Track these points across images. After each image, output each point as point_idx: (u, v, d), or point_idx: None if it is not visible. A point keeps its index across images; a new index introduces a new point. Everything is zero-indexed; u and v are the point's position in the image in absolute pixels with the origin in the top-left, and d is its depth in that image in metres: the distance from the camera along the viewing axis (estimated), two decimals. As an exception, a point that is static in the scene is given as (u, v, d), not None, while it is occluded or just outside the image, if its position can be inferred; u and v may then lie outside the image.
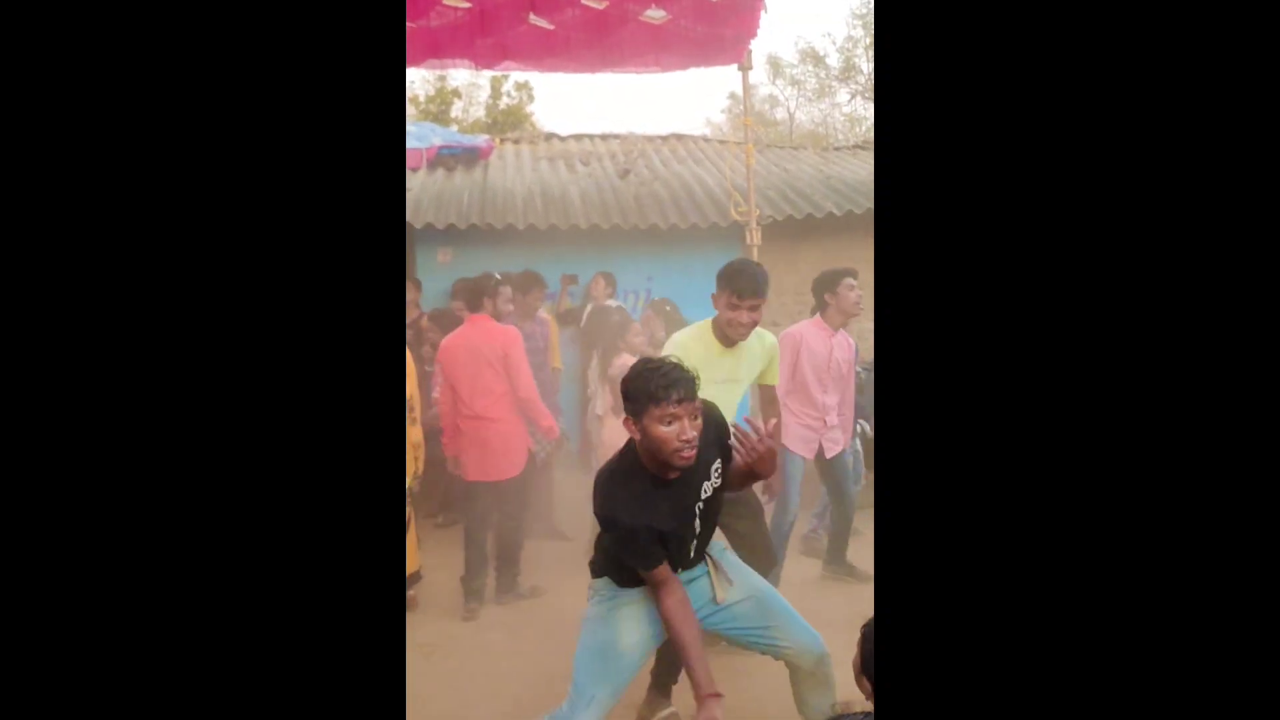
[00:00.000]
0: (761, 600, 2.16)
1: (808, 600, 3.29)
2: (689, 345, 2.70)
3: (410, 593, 3.81)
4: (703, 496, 2.03)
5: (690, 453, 1.88)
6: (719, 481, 2.06)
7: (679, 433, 1.85)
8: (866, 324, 5.16)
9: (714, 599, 2.10)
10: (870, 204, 6.35)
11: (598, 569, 2.15)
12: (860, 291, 3.82)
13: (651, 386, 1.85)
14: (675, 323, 5.39)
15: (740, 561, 2.27)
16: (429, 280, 5.97)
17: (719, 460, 2.06)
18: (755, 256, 5.79)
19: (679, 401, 1.84)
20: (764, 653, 2.18)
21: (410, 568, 3.81)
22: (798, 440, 3.78)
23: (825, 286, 3.91)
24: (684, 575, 2.07)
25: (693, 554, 2.08)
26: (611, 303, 5.47)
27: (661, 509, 1.95)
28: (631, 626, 2.04)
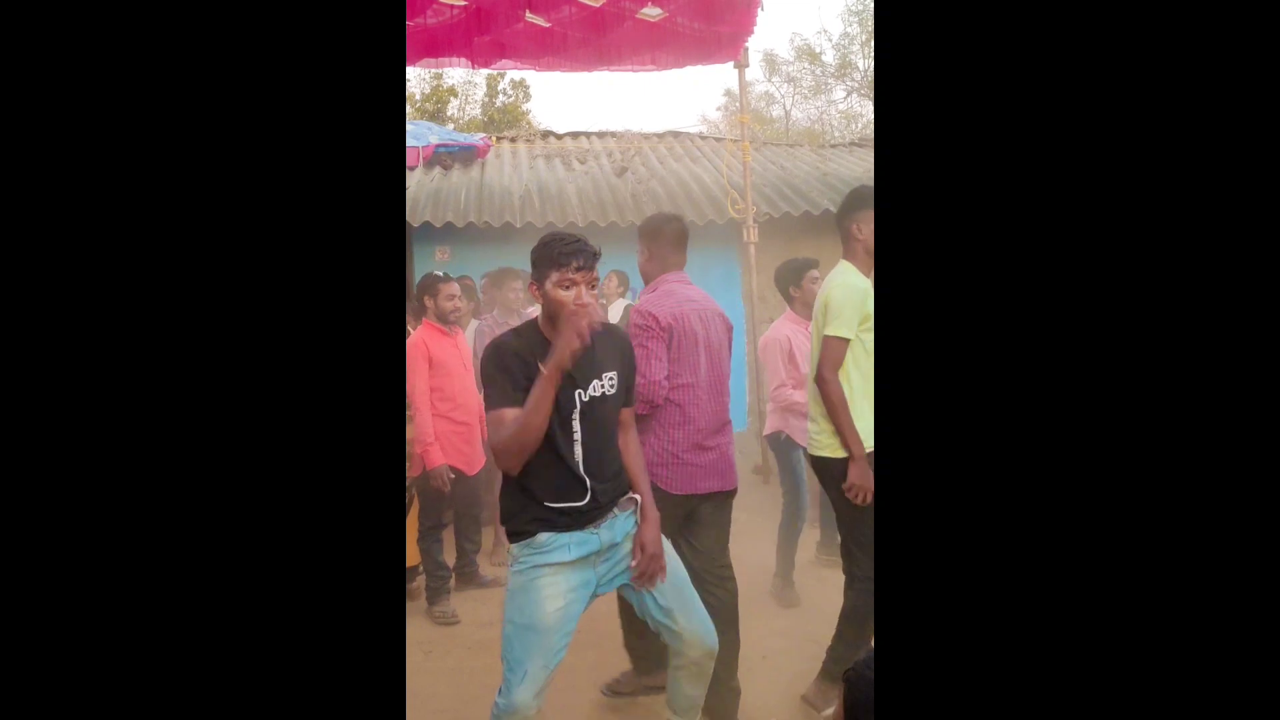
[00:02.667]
0: (674, 579, 2.19)
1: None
2: (854, 283, 2.66)
3: (410, 586, 3.84)
4: (590, 390, 2.06)
5: (584, 315, 1.96)
6: (610, 392, 2.10)
7: (575, 297, 1.98)
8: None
9: (617, 561, 2.14)
10: (867, 201, 6.36)
11: (511, 531, 2.14)
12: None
13: (554, 252, 1.99)
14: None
15: (664, 539, 2.24)
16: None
17: (615, 374, 2.11)
18: (752, 254, 5.80)
19: (578, 269, 1.97)
20: (654, 629, 2.22)
21: (410, 562, 3.85)
22: (804, 435, 3.69)
23: (789, 280, 3.86)
24: (606, 536, 2.09)
25: (580, 462, 2.05)
26: (621, 302, 5.45)
27: (539, 369, 1.99)
28: (552, 596, 2.04)
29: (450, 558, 3.99)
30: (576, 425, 2.04)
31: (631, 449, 2.23)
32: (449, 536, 4.00)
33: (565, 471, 2.04)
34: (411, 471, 3.76)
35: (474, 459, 3.89)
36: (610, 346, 2.14)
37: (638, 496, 2.19)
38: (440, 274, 3.88)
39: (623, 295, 5.48)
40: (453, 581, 3.94)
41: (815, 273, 3.77)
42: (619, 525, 2.14)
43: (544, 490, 2.04)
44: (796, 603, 3.69)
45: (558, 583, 2.05)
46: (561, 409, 2.01)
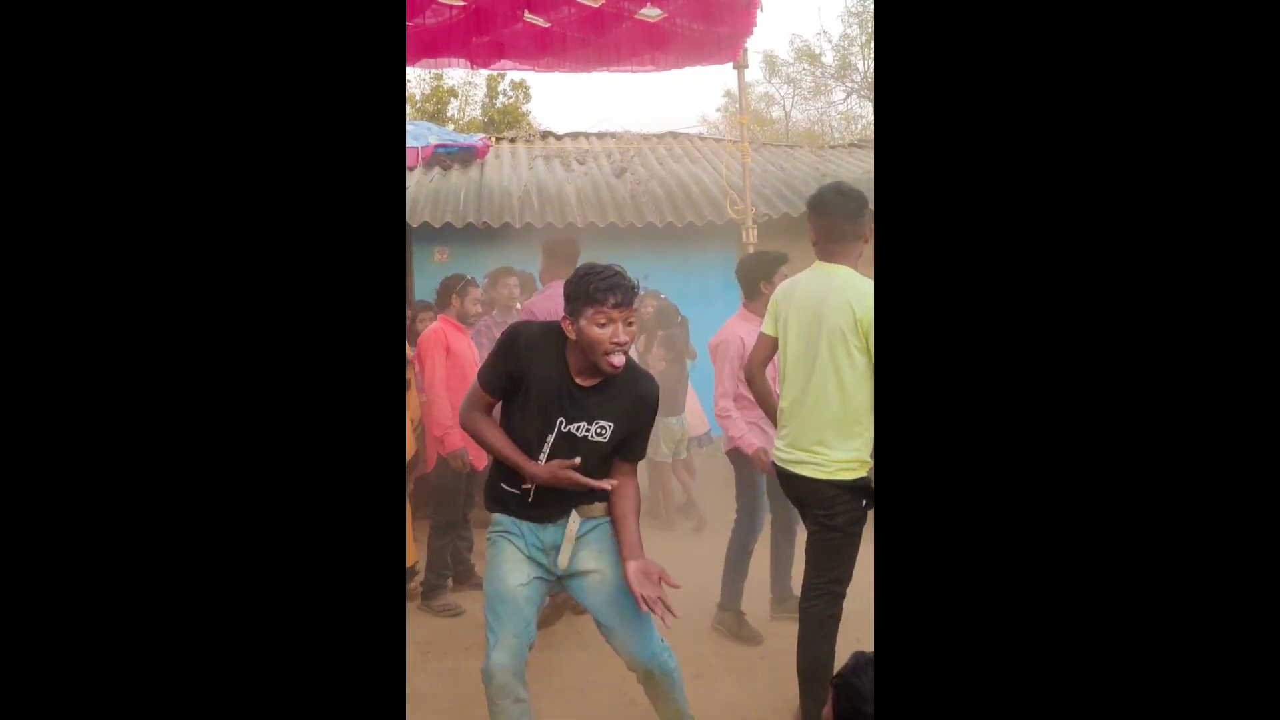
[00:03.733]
0: (611, 597, 2.13)
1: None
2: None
3: (410, 586, 3.84)
4: (570, 428, 2.01)
5: (620, 359, 1.92)
6: (595, 439, 2.03)
7: (612, 335, 1.90)
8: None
9: (557, 562, 2.13)
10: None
11: (488, 500, 2.21)
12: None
13: (589, 287, 1.90)
14: (668, 316, 5.42)
15: (610, 549, 2.17)
16: (425, 279, 5.97)
17: (610, 425, 2.03)
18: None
19: (615, 306, 1.89)
20: (613, 648, 2.21)
21: (409, 561, 3.85)
22: (760, 444, 3.30)
23: (760, 274, 3.44)
24: (549, 538, 2.10)
25: (541, 456, 2.04)
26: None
27: (543, 376, 2.00)
28: (512, 570, 2.08)
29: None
30: (546, 446, 2.04)
31: (625, 496, 2.12)
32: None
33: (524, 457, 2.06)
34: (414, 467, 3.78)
35: (480, 454, 3.89)
36: (622, 398, 2.03)
37: (603, 521, 2.15)
38: (470, 276, 3.99)
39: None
40: (450, 581, 3.94)
41: (785, 269, 3.37)
42: (563, 533, 2.12)
43: (503, 469, 2.11)
44: (758, 639, 3.35)
45: (519, 560, 2.09)
46: (540, 420, 2.02)
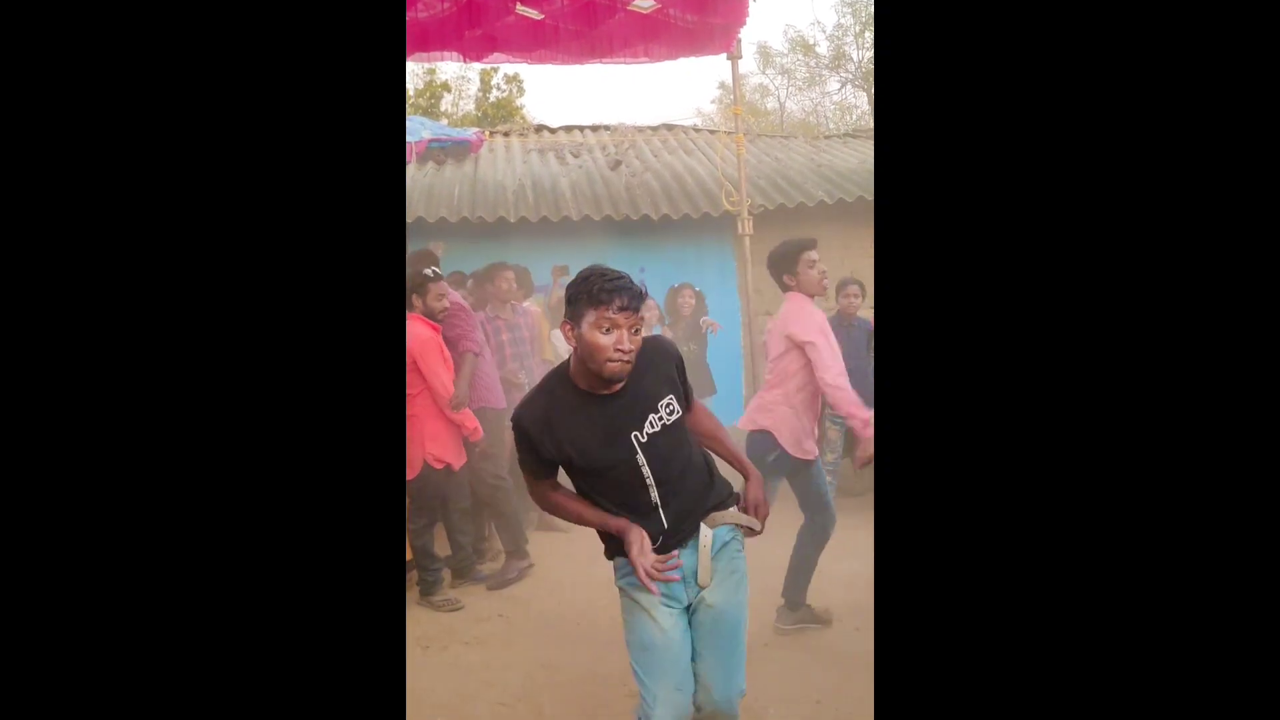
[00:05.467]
0: (722, 620, 1.93)
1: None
2: None
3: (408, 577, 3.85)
4: (646, 429, 1.83)
5: (624, 367, 1.75)
6: (670, 420, 1.87)
7: (616, 342, 1.72)
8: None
9: (695, 577, 1.93)
10: (861, 192, 6.35)
11: (607, 549, 2.01)
12: (824, 266, 3.25)
13: (593, 289, 1.73)
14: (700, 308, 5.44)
15: (741, 572, 2.00)
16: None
17: (671, 397, 1.88)
18: (747, 246, 5.80)
19: (620, 309, 1.72)
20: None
21: (409, 556, 3.86)
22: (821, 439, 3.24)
23: (784, 267, 3.20)
24: (689, 561, 1.92)
25: (656, 502, 1.87)
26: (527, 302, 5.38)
27: (583, 426, 1.82)
28: (652, 615, 1.86)
29: (443, 552, 4.01)
30: (646, 471, 1.84)
31: (709, 428, 2.03)
32: (439, 533, 4.01)
33: (639, 515, 1.87)
34: (412, 472, 3.75)
35: (460, 452, 3.89)
36: (657, 368, 1.90)
37: (734, 537, 1.99)
38: (428, 271, 3.85)
39: (528, 296, 5.26)
40: (447, 577, 3.94)
41: (813, 254, 3.16)
42: (695, 554, 1.92)
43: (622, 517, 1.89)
44: (829, 619, 3.28)
45: (654, 605, 1.88)
46: (622, 452, 1.83)
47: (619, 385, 1.82)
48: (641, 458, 1.83)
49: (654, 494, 1.86)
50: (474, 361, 4.03)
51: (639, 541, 1.84)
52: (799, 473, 3.19)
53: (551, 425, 1.82)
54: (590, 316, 1.73)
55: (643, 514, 1.88)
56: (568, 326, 1.80)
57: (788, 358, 3.14)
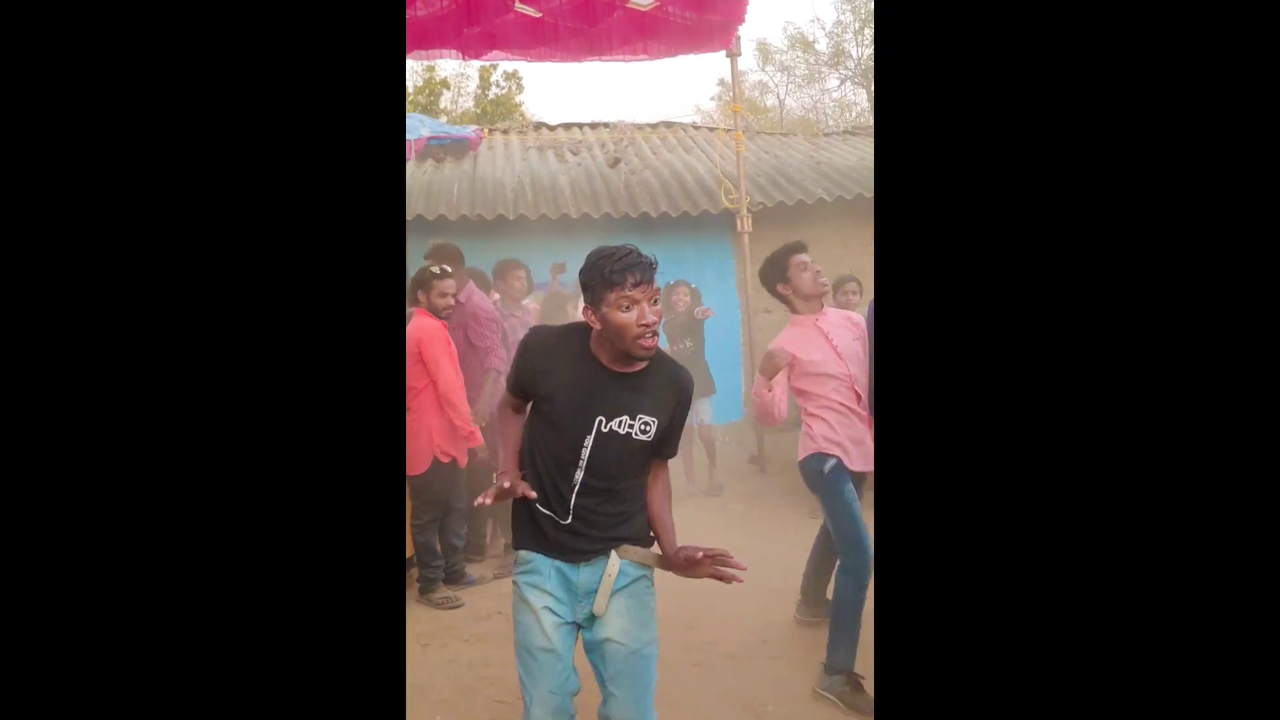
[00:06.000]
0: (628, 660, 1.90)
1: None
2: None
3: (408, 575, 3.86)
4: (612, 425, 1.85)
5: (652, 340, 1.77)
6: (639, 438, 1.87)
7: (639, 318, 1.75)
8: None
9: (592, 609, 1.90)
10: (860, 190, 6.36)
11: (516, 535, 2.01)
12: (819, 265, 3.00)
13: (606, 271, 1.76)
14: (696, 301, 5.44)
15: (651, 609, 1.96)
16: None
17: (653, 422, 1.88)
18: (746, 244, 5.80)
19: (635, 285, 1.75)
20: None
21: (408, 553, 3.86)
22: (849, 447, 2.86)
23: (775, 276, 2.96)
24: (585, 579, 1.91)
25: (575, 484, 1.87)
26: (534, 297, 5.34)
27: (571, 378, 1.86)
28: (537, 623, 1.87)
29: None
30: (585, 453, 1.85)
31: (658, 495, 2.01)
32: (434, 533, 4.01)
33: (558, 475, 1.89)
34: (415, 469, 3.75)
35: (464, 449, 3.90)
36: (662, 390, 1.90)
37: (642, 576, 1.94)
38: (434, 269, 3.86)
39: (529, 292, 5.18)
40: (444, 573, 3.95)
41: (804, 256, 2.95)
42: (599, 578, 1.91)
43: (539, 488, 1.91)
44: (869, 709, 2.72)
45: (544, 613, 1.88)
46: (577, 428, 1.85)
47: (636, 367, 1.85)
48: (590, 440, 1.85)
49: (578, 475, 1.87)
50: (497, 379, 4.05)
51: (512, 477, 1.90)
52: (834, 494, 2.84)
53: (546, 358, 1.88)
54: (609, 298, 1.76)
55: (556, 491, 1.89)
56: (589, 311, 1.82)
57: (796, 381, 2.92)
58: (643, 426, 1.87)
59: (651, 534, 1.99)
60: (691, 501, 5.01)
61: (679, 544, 1.93)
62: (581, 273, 1.83)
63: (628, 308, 1.75)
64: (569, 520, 1.88)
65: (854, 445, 2.85)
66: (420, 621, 3.58)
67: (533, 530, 1.93)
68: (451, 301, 3.86)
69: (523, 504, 1.94)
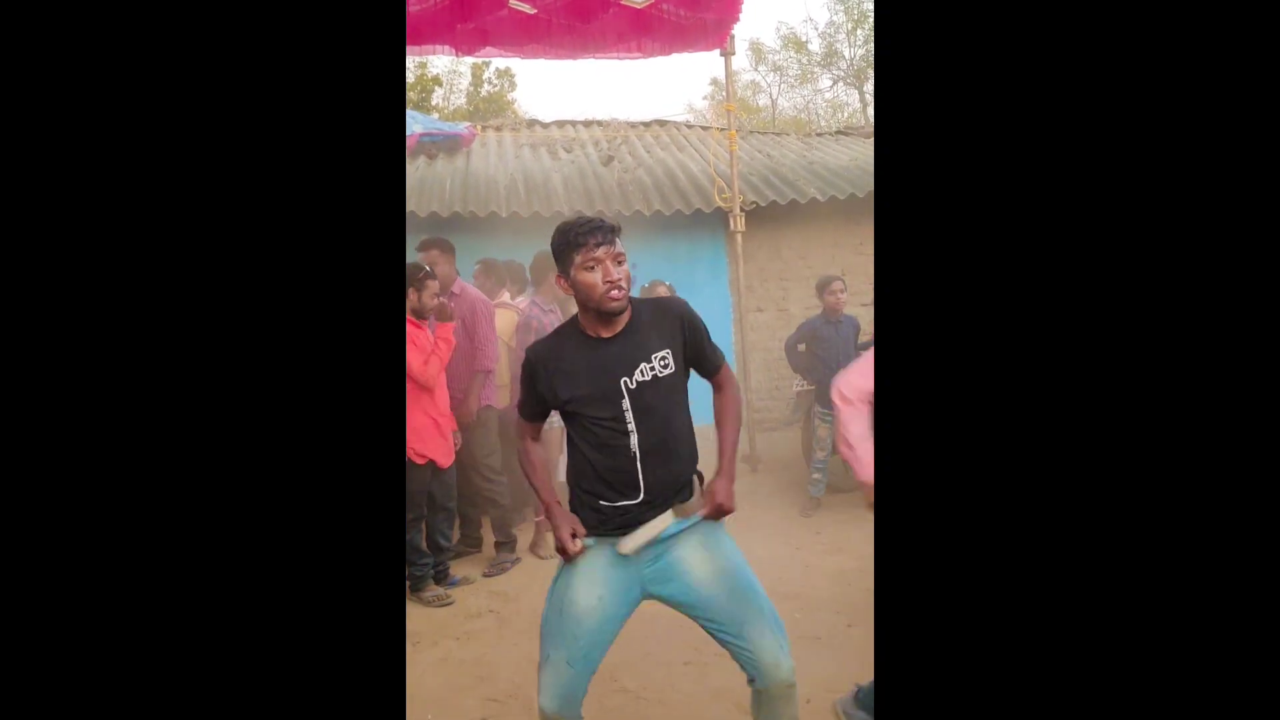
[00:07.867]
0: (737, 585, 1.94)
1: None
2: None
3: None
4: (636, 376, 1.91)
5: (620, 293, 1.87)
6: (664, 373, 1.93)
7: (604, 275, 1.86)
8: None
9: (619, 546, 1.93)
10: (852, 189, 6.37)
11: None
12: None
13: (571, 235, 1.88)
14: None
15: (722, 534, 2.00)
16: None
17: (667, 353, 1.94)
18: (739, 243, 5.80)
19: (598, 245, 1.86)
20: (733, 656, 1.98)
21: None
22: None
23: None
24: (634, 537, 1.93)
25: (636, 452, 1.90)
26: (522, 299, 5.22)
27: (580, 366, 1.93)
28: (587, 585, 1.91)
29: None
30: (629, 416, 1.90)
31: (722, 409, 2.08)
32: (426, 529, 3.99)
33: (618, 467, 1.91)
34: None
35: (448, 452, 3.87)
36: (659, 323, 1.97)
37: (694, 521, 1.97)
38: (425, 267, 3.80)
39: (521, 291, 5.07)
40: (434, 571, 3.93)
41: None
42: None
43: (597, 488, 1.93)
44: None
45: (594, 573, 1.92)
46: (610, 401, 1.89)
47: (622, 323, 1.93)
48: (627, 402, 1.91)
49: (633, 441, 1.90)
50: (484, 380, 4.11)
51: (564, 523, 1.94)
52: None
53: (552, 361, 1.95)
54: (576, 260, 1.87)
55: (622, 469, 1.91)
56: (560, 279, 1.94)
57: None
58: (662, 361, 1.95)
59: (695, 472, 2.03)
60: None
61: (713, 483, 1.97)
62: (552, 245, 1.94)
63: (592, 267, 1.85)
64: (641, 497, 1.92)
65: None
66: (412, 620, 3.56)
67: (596, 520, 1.95)
68: (436, 302, 3.82)
69: (578, 501, 1.99)
